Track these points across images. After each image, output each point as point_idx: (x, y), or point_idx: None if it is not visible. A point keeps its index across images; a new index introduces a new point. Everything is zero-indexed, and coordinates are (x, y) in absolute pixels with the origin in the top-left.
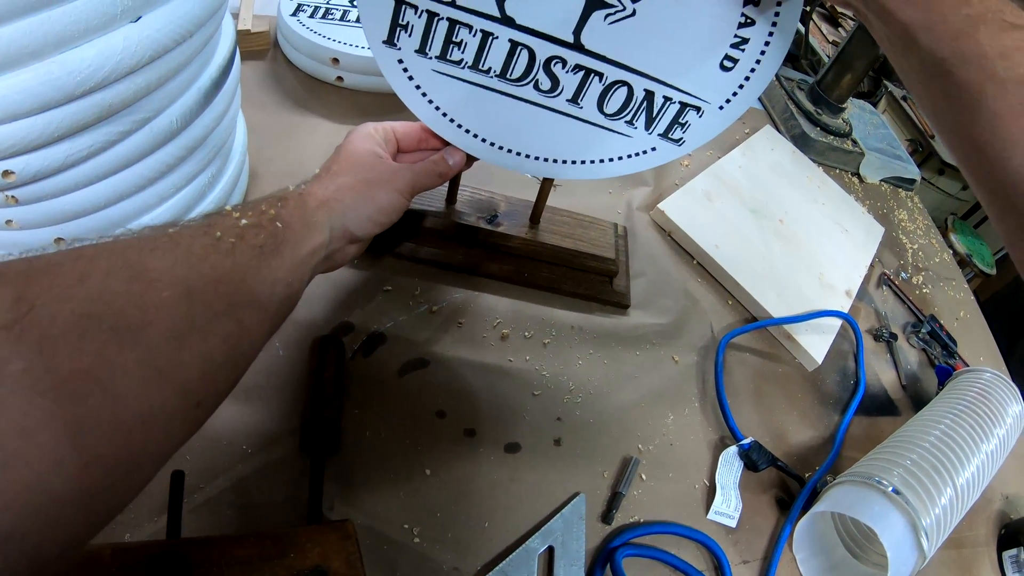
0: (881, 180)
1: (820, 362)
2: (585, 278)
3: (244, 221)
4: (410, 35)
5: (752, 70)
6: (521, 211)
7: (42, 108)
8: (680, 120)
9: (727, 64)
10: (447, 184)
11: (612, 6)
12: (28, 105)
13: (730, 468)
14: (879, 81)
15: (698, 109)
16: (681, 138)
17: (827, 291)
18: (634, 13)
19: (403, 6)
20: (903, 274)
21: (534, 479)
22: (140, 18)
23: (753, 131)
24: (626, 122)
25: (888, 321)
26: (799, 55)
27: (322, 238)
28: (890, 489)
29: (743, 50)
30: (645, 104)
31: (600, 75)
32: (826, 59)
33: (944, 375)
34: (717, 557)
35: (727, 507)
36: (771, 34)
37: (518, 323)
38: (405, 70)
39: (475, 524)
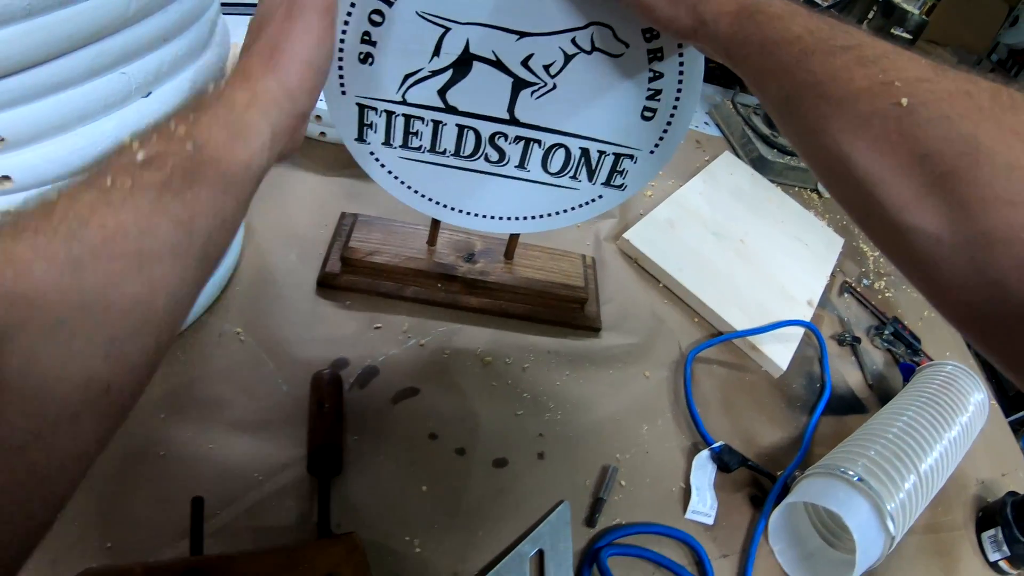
0: None
1: (784, 368)
2: (558, 306)
3: (142, 155)
4: (375, 131)
5: (672, 115)
6: (496, 249)
7: (68, 176)
8: (618, 168)
9: (647, 115)
10: (429, 227)
11: (535, 84)
12: (55, 173)
13: (704, 470)
14: None
15: (631, 157)
16: (623, 183)
17: (789, 302)
18: (555, 86)
19: (365, 109)
20: (865, 281)
21: (521, 490)
22: (151, 93)
23: (713, 158)
24: (570, 177)
25: (851, 326)
26: None
27: (259, 142)
28: (855, 478)
29: (659, 100)
30: (583, 160)
31: (539, 142)
32: None
33: (908, 372)
34: (697, 552)
35: (703, 506)
36: (680, 81)
37: (499, 351)
38: (377, 159)
39: (470, 533)
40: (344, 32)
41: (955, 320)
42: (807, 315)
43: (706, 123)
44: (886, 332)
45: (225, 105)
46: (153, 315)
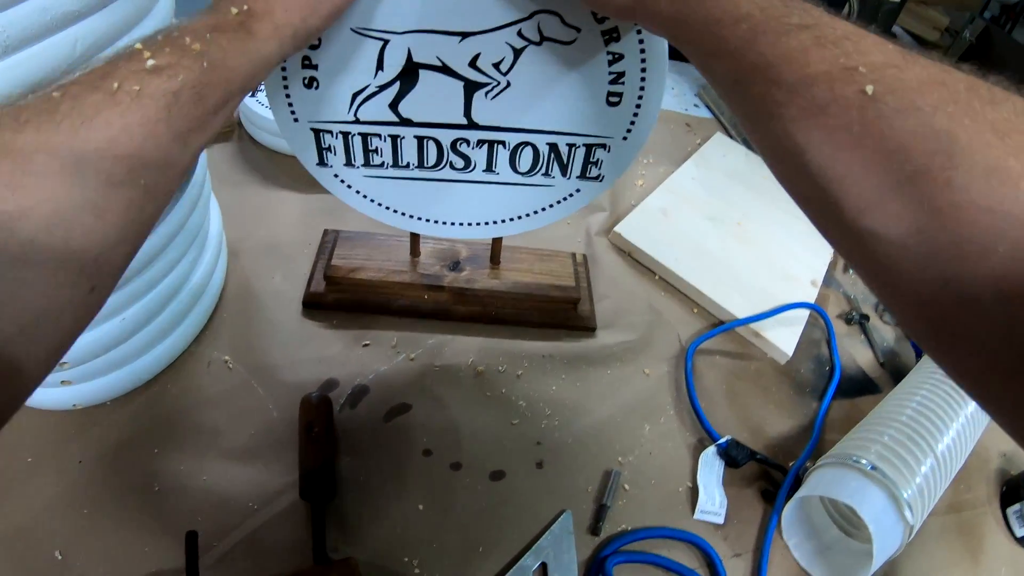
0: None
1: (790, 354)
2: (550, 308)
3: (152, 62)
4: (335, 154)
5: (640, 96)
6: (482, 254)
7: None
8: (592, 160)
9: (613, 100)
10: (409, 240)
11: (488, 84)
12: None
13: (711, 468)
14: None
15: (604, 146)
16: (599, 174)
17: (792, 284)
18: (509, 84)
19: (321, 133)
20: None
21: (521, 502)
22: None
23: (705, 140)
24: (543, 175)
25: (859, 303)
26: None
27: (267, 70)
28: (868, 467)
29: (623, 83)
30: (553, 156)
31: (503, 143)
32: None
33: (919, 347)
34: (707, 554)
35: (712, 505)
36: (643, 60)
37: (491, 359)
38: (342, 181)
39: (470, 550)
40: (284, 60)
41: (917, 333)
42: (811, 296)
43: (696, 105)
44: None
45: (246, 33)
46: (140, 221)
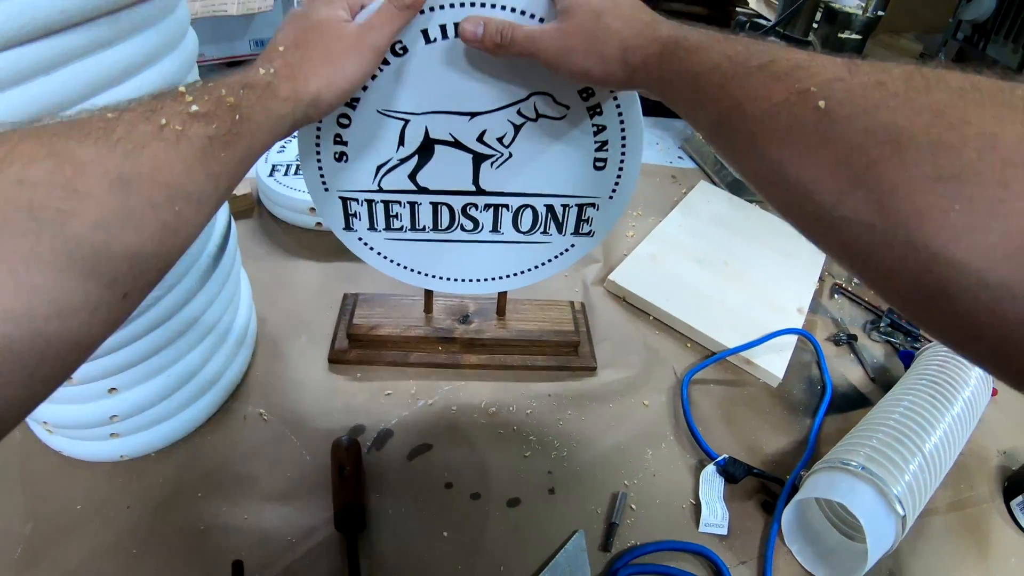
0: None
1: (781, 377)
2: (553, 352)
3: (195, 107)
4: (360, 219)
5: (622, 161)
6: (488, 308)
7: None
8: (583, 218)
9: (599, 165)
10: (423, 297)
11: (493, 155)
12: None
13: (711, 485)
14: None
15: (593, 205)
16: (590, 230)
17: (779, 313)
18: (511, 155)
19: (348, 201)
20: (855, 280)
21: (537, 525)
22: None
23: (690, 189)
24: (541, 233)
25: (846, 325)
26: None
27: (284, 130)
28: (859, 468)
29: (607, 150)
30: (550, 216)
31: (506, 206)
32: None
33: (908, 359)
34: (714, 563)
35: (715, 518)
36: (623, 128)
37: (502, 401)
38: (365, 244)
39: (491, 570)
40: (318, 136)
41: (899, 305)
42: (798, 322)
43: (680, 157)
44: (882, 324)
45: (271, 92)
46: (172, 243)
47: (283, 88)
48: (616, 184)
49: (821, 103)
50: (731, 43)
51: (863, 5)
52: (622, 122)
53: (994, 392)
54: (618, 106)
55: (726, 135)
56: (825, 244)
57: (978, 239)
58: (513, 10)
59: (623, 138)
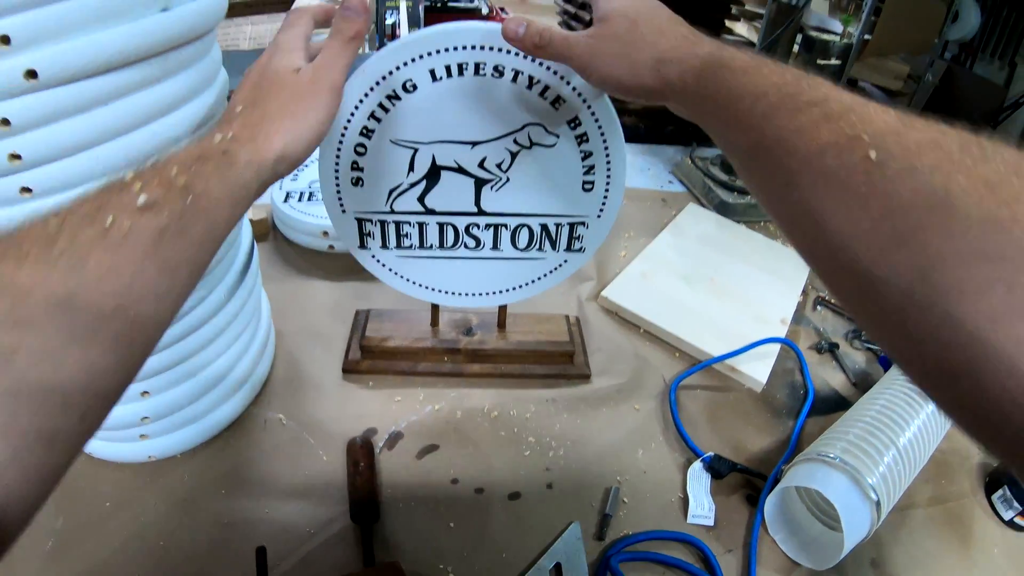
0: None
1: (764, 382)
2: (550, 361)
3: (143, 198)
4: (373, 238)
5: (607, 183)
6: (490, 321)
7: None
8: (574, 235)
9: (587, 187)
10: (430, 312)
11: (492, 180)
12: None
13: (698, 480)
14: None
15: (583, 223)
16: (581, 247)
17: (763, 325)
18: (508, 179)
19: (363, 222)
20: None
21: (536, 516)
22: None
23: (679, 211)
24: (537, 250)
25: (828, 335)
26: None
27: (250, 195)
28: (835, 459)
29: (594, 173)
30: (544, 234)
31: (505, 226)
32: None
33: (888, 363)
34: (702, 550)
35: (702, 510)
36: (608, 155)
37: (504, 405)
38: (378, 261)
39: (495, 556)
40: (337, 163)
41: (918, 374)
42: (782, 332)
43: (670, 182)
44: (864, 333)
45: (228, 161)
46: (131, 349)
47: (242, 153)
48: (603, 204)
49: (872, 153)
50: (780, 72)
51: (841, 33)
52: (606, 148)
53: None
54: (602, 134)
55: (763, 167)
56: (856, 304)
57: (1016, 326)
58: (509, 52)
59: (608, 163)
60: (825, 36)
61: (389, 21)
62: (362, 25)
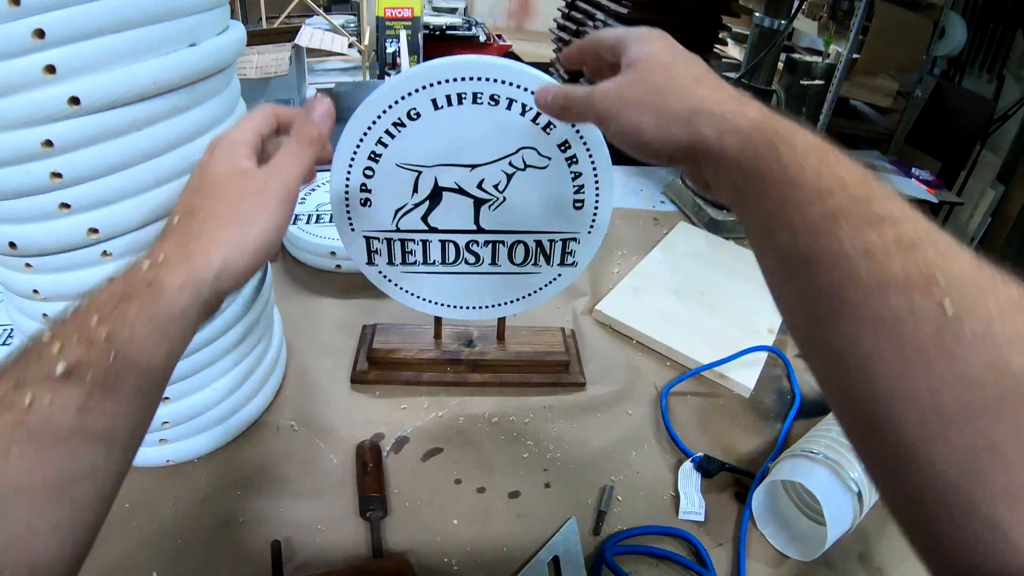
0: None
1: (752, 387)
2: (547, 370)
3: (62, 366)
4: (380, 255)
5: (596, 201)
6: (490, 334)
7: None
8: (567, 251)
9: (578, 205)
10: (433, 325)
11: (490, 200)
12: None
13: (689, 478)
14: None
15: (575, 239)
16: (574, 261)
17: (750, 334)
18: (505, 199)
19: (370, 239)
20: None
21: (535, 513)
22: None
23: (671, 229)
24: (533, 264)
25: None
26: None
27: (189, 327)
28: (818, 455)
29: (583, 193)
30: (539, 249)
31: (502, 242)
32: None
33: None
34: (693, 544)
35: (693, 507)
36: (596, 176)
37: (503, 412)
38: (385, 276)
39: (496, 550)
40: (347, 185)
41: (941, 569)
42: (769, 341)
43: (662, 202)
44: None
45: (154, 294)
46: (75, 532)
47: (173, 278)
48: (593, 220)
49: (948, 304)
50: (847, 164)
51: (822, 54)
52: (595, 169)
53: None
54: (590, 156)
55: (807, 280)
56: (883, 466)
57: None
58: (503, 82)
59: (596, 182)
60: (808, 57)
61: (389, 50)
62: (326, 131)
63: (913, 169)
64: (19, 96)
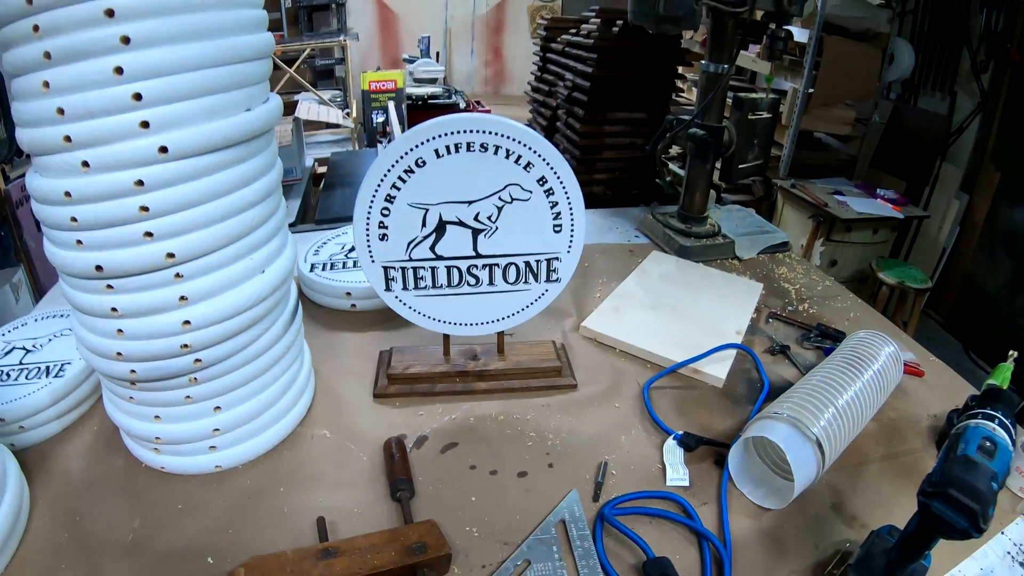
0: (758, 253)
1: (723, 378)
2: (543, 376)
3: None
4: (396, 282)
5: (572, 224)
6: (492, 348)
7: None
8: (551, 268)
9: (557, 229)
10: (443, 343)
11: (486, 229)
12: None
13: (673, 452)
14: (770, 184)
15: (557, 258)
16: (558, 277)
17: (720, 336)
18: (498, 228)
19: (388, 269)
20: (789, 307)
21: (542, 488)
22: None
23: (643, 258)
24: (524, 282)
25: (779, 340)
26: (671, 192)
27: None
28: (782, 415)
29: (560, 219)
30: (528, 269)
31: (497, 265)
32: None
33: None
34: (681, 504)
35: (678, 475)
36: (570, 204)
37: (508, 412)
38: (400, 301)
39: (510, 518)
40: (368, 222)
41: None
42: (737, 340)
43: (636, 236)
44: (812, 335)
45: None
46: None
47: None
48: (571, 241)
49: None
50: None
51: (766, 89)
52: (568, 197)
53: (921, 373)
54: (564, 186)
55: None
56: None
57: None
58: (488, 132)
59: (571, 208)
60: (753, 95)
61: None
62: None
63: (878, 190)
64: (119, 144)
